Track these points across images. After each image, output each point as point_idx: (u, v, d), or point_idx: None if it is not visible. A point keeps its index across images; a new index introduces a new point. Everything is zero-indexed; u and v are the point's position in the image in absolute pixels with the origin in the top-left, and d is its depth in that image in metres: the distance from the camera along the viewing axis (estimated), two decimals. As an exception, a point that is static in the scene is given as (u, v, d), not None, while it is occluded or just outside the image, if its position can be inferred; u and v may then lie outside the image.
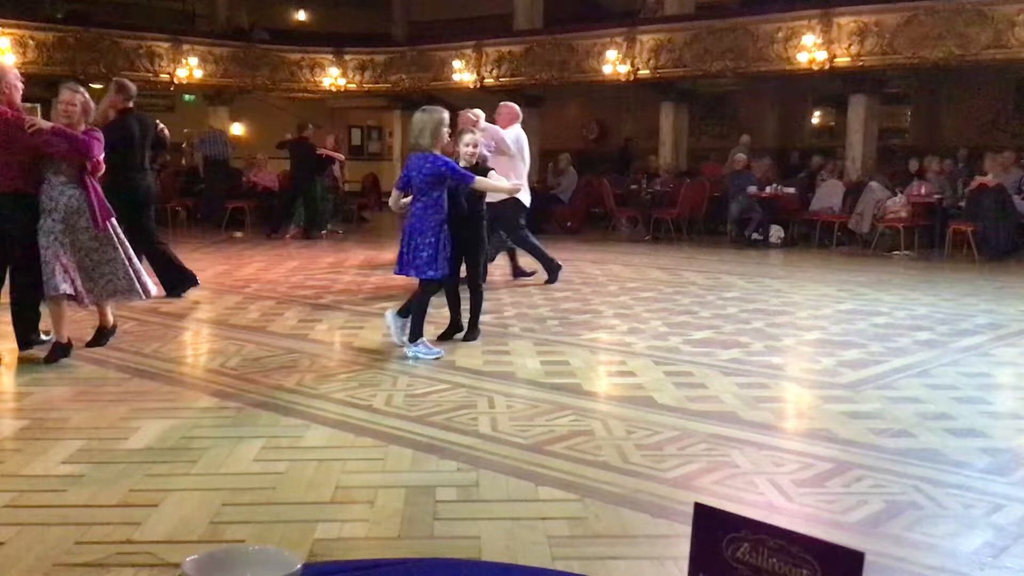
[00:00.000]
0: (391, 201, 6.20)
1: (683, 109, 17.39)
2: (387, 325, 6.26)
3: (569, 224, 15.70)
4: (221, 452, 3.97)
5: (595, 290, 9.00)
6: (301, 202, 14.19)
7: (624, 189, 16.17)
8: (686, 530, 3.20)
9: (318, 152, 13.89)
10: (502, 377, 5.41)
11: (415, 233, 5.81)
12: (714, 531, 0.95)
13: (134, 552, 2.97)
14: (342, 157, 14.44)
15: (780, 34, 14.98)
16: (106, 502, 3.39)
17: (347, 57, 20.99)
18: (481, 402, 4.83)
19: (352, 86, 21.14)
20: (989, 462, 3.94)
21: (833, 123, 18.36)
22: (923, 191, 12.87)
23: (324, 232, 14.34)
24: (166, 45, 18.89)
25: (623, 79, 16.88)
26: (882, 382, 5.34)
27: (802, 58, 14.55)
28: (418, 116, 5.95)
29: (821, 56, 14.41)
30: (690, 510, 3.68)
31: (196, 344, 6.73)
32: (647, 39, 16.68)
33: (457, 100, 20.62)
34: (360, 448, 4.05)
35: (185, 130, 19.17)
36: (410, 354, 5.84)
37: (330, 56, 20.98)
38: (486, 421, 4.49)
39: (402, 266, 5.90)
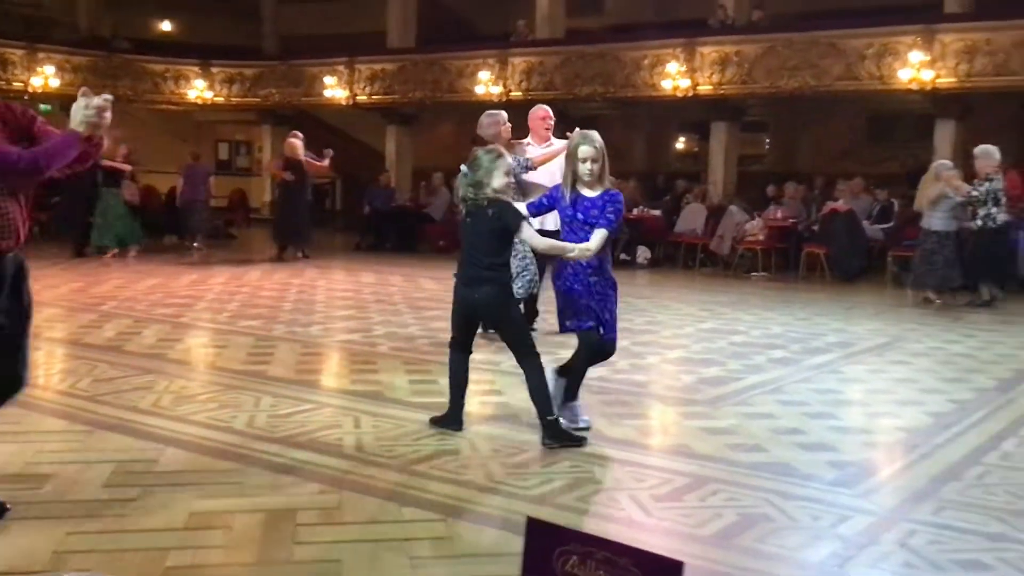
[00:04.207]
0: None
1: (555, 131, 17.65)
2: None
3: (441, 243, 15.70)
4: (68, 478, 3.78)
5: (465, 309, 9.00)
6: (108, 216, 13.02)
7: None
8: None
9: (103, 164, 12.85)
10: (369, 396, 5.35)
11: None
12: (545, 545, 0.96)
13: (-33, 587, 2.80)
14: (129, 168, 13.56)
15: (646, 61, 15.43)
16: (-62, 534, 3.18)
17: (214, 69, 20.48)
18: (347, 422, 4.76)
19: (220, 99, 20.64)
20: (837, 475, 4.12)
21: (697, 148, 18.99)
22: (779, 215, 13.45)
23: (111, 253, 12.89)
24: (20, 52, 18.02)
25: (496, 100, 17.02)
26: (739, 399, 5.53)
27: (667, 85, 15.02)
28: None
29: (685, 84, 14.91)
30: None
31: (45, 364, 6.39)
32: (519, 62, 16.91)
33: (329, 117, 20.45)
34: (218, 472, 3.93)
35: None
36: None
37: (196, 68, 20.44)
38: (351, 441, 4.42)
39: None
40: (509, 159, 4.58)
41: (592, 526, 3.47)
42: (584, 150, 4.66)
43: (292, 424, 4.69)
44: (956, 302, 10.02)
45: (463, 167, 4.52)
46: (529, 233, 4.49)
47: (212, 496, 3.62)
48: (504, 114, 7.34)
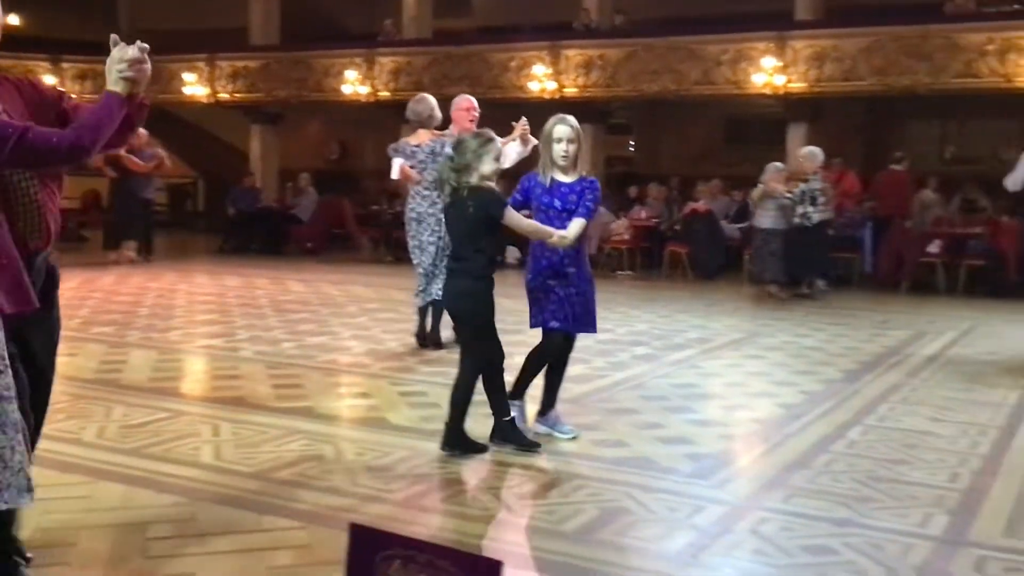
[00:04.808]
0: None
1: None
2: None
3: (309, 245, 15.43)
4: None
5: (333, 311, 8.89)
6: None
7: (366, 209, 16.14)
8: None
9: None
10: (230, 403, 5.20)
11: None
12: (368, 550, 0.95)
13: None
14: None
15: (513, 63, 15.56)
16: None
17: (65, 65, 19.56)
18: (205, 430, 4.62)
19: (72, 96, 19.70)
20: (694, 467, 4.24)
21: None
22: (643, 215, 13.79)
23: None
24: None
25: (363, 100, 16.86)
26: (603, 395, 5.64)
27: (534, 87, 15.18)
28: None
29: (551, 86, 15.10)
30: (418, 530, 3.67)
31: None
32: (386, 61, 16.78)
33: (190, 115, 19.80)
34: (64, 486, 3.73)
35: None
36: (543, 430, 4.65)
37: (46, 63, 19.48)
38: (208, 450, 4.29)
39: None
40: (499, 143, 4.38)
41: (457, 526, 3.47)
42: (560, 130, 4.46)
43: (145, 434, 4.51)
44: (790, 295, 10.48)
45: (447, 149, 4.35)
46: (514, 218, 4.30)
47: (57, 512, 3.44)
48: (432, 98, 7.06)
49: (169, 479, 3.86)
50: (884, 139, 15.42)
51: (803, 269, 10.59)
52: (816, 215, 10.34)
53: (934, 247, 11.66)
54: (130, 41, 2.82)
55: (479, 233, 4.26)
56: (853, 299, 10.63)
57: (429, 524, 3.46)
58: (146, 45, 2.79)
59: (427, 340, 6.92)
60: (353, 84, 16.72)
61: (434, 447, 4.42)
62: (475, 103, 7.04)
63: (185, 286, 10.56)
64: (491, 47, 15.95)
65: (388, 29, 17.68)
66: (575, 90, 15.14)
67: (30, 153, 2.59)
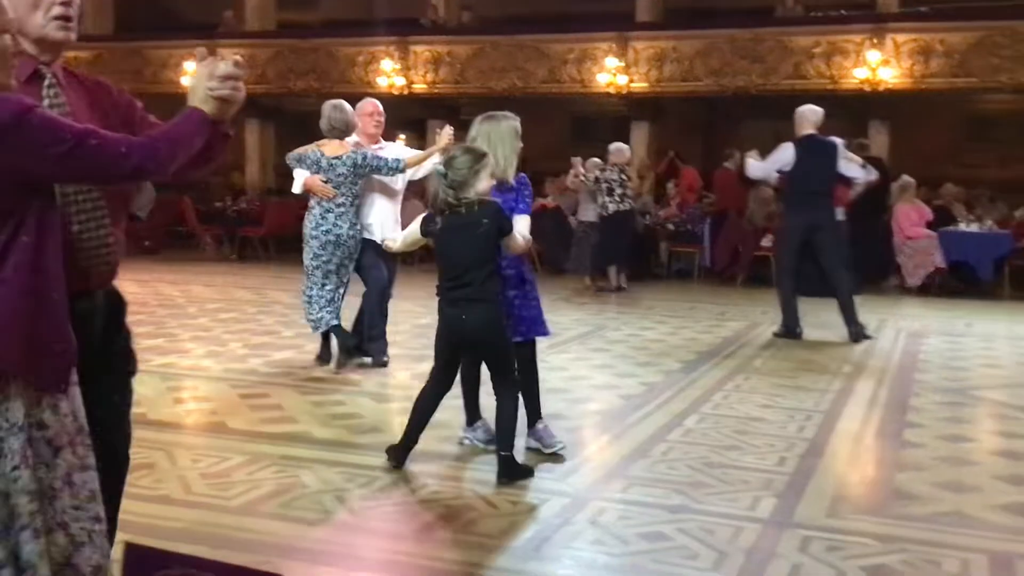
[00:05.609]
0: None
1: (269, 126, 17.19)
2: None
3: (147, 243, 14.79)
4: None
5: (172, 312, 8.56)
6: None
7: (208, 206, 15.62)
8: (246, 558, 3.06)
9: None
10: (55, 412, 4.91)
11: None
12: (144, 569, 0.91)
13: None
14: None
15: (361, 58, 15.38)
16: None
17: None
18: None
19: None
20: (537, 461, 4.28)
21: (416, 146, 19.18)
22: (493, 211, 13.89)
23: None
24: None
25: (204, 92, 16.29)
26: (452, 393, 5.59)
27: (382, 82, 15.04)
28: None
29: (400, 82, 15.00)
30: (253, 537, 3.55)
31: None
32: (228, 53, 16.15)
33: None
34: None
35: None
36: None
37: None
38: (30, 463, 4.04)
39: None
40: (491, 159, 4.09)
41: (294, 531, 3.39)
42: (518, 127, 4.48)
43: (-41, 448, 4.21)
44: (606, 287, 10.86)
45: (437, 167, 4.15)
46: (513, 232, 4.10)
47: None
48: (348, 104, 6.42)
49: (-17, 496, 3.61)
50: (722, 137, 16.05)
51: (602, 259, 10.92)
52: (612, 205, 10.69)
53: (767, 241, 12.20)
54: None
55: (492, 251, 4.03)
56: (694, 292, 11.03)
57: (265, 531, 3.37)
58: (241, 60, 2.35)
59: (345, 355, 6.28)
60: (192, 76, 16.14)
61: (276, 449, 4.33)
62: (380, 107, 6.52)
63: (9, 288, 9.93)
64: (338, 41, 15.72)
65: (229, 20, 17.14)
66: (424, 86, 15.12)
67: (89, 163, 2.08)
